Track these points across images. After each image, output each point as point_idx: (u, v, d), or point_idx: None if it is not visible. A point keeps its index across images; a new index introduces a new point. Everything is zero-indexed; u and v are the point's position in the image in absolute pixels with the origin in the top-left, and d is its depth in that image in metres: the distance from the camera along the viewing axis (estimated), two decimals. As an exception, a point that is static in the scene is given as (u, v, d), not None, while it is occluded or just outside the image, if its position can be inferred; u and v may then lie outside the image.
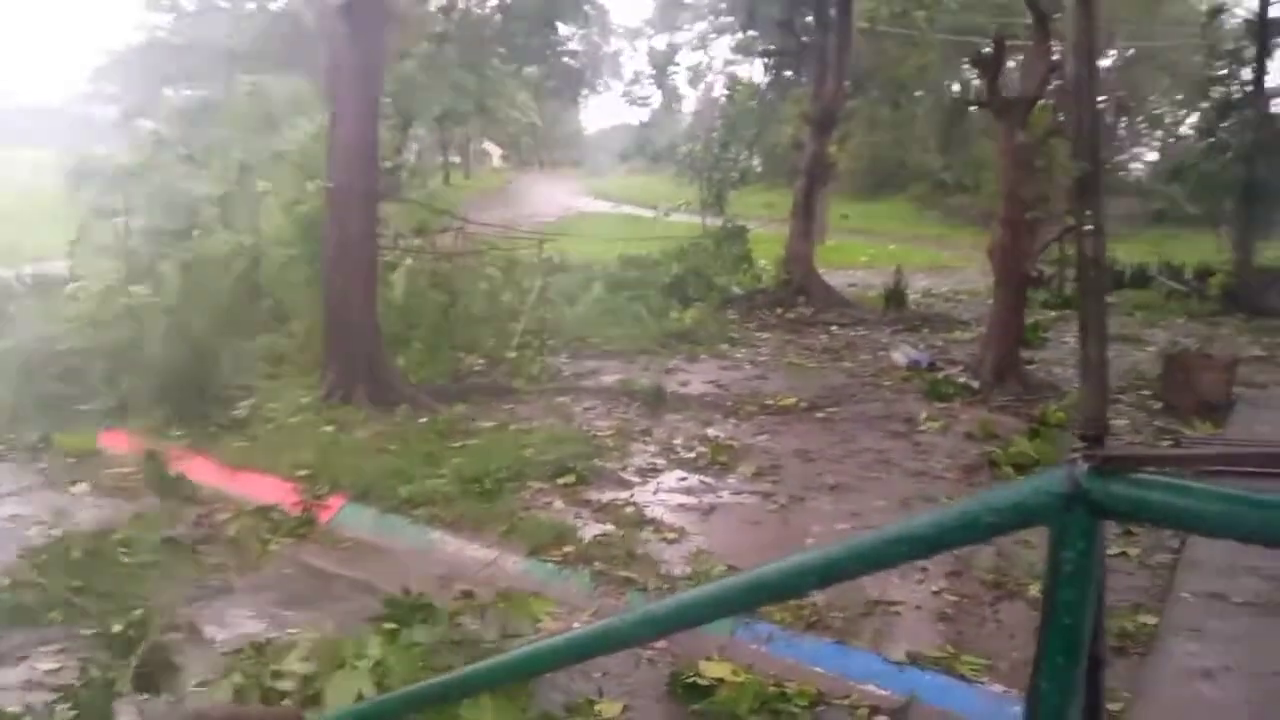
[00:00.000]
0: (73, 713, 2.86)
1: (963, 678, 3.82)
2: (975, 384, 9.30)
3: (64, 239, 11.55)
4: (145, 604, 3.30)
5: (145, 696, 2.96)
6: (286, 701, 2.87)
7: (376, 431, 7.05)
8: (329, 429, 7.07)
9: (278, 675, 2.96)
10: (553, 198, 38.49)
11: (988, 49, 10.35)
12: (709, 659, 3.89)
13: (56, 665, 3.52)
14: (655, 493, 6.09)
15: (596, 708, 3.41)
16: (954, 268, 25.06)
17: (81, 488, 6.10)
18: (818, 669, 3.93)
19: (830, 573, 1.30)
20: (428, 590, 3.71)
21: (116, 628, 3.22)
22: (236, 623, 4.20)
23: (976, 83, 14.45)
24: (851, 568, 1.30)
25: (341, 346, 7.96)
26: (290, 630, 3.64)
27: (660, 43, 44.92)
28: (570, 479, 6.19)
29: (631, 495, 6.00)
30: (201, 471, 6.37)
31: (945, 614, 4.39)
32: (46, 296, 9.71)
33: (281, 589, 4.66)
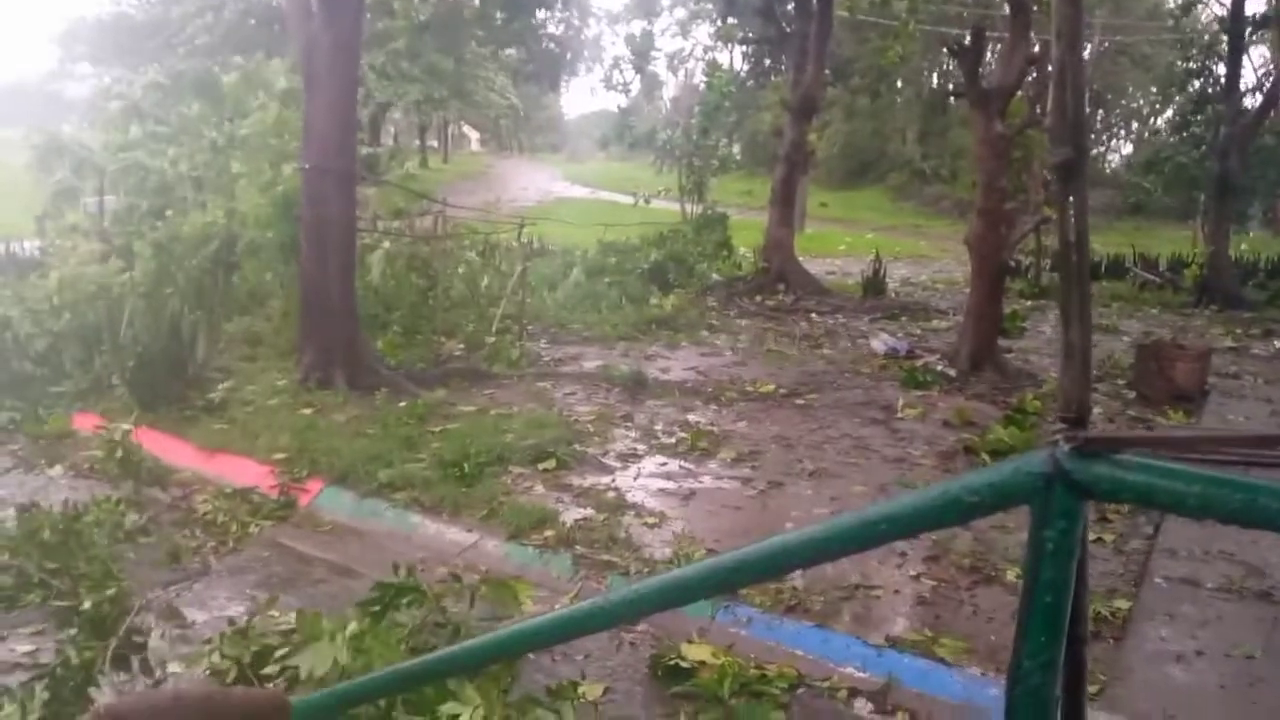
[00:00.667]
0: (49, 693, 2.84)
1: (942, 661, 3.87)
2: (953, 372, 9.38)
3: (33, 218, 11.41)
4: (121, 586, 3.27)
5: (124, 677, 2.95)
6: (269, 684, 2.87)
7: (355, 415, 7.01)
8: (307, 412, 7.03)
9: (259, 656, 2.95)
10: (532, 182, 38.34)
11: (967, 39, 10.40)
12: (690, 642, 3.93)
13: (33, 647, 3.50)
14: (636, 478, 6.11)
15: (579, 690, 3.43)
16: (932, 257, 25.24)
17: (56, 470, 6.04)
18: (798, 652, 3.97)
19: (811, 554, 1.32)
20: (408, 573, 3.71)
21: (92, 609, 3.20)
22: (216, 605, 4.19)
23: (955, 73, 14.49)
24: (832, 549, 1.31)
25: (319, 329, 7.90)
26: (271, 614, 3.63)
27: (639, 28, 44.71)
28: (550, 464, 6.19)
29: (612, 480, 6.01)
30: (178, 454, 6.32)
31: (924, 598, 4.44)
32: (16, 276, 9.58)
33: (261, 572, 4.64)
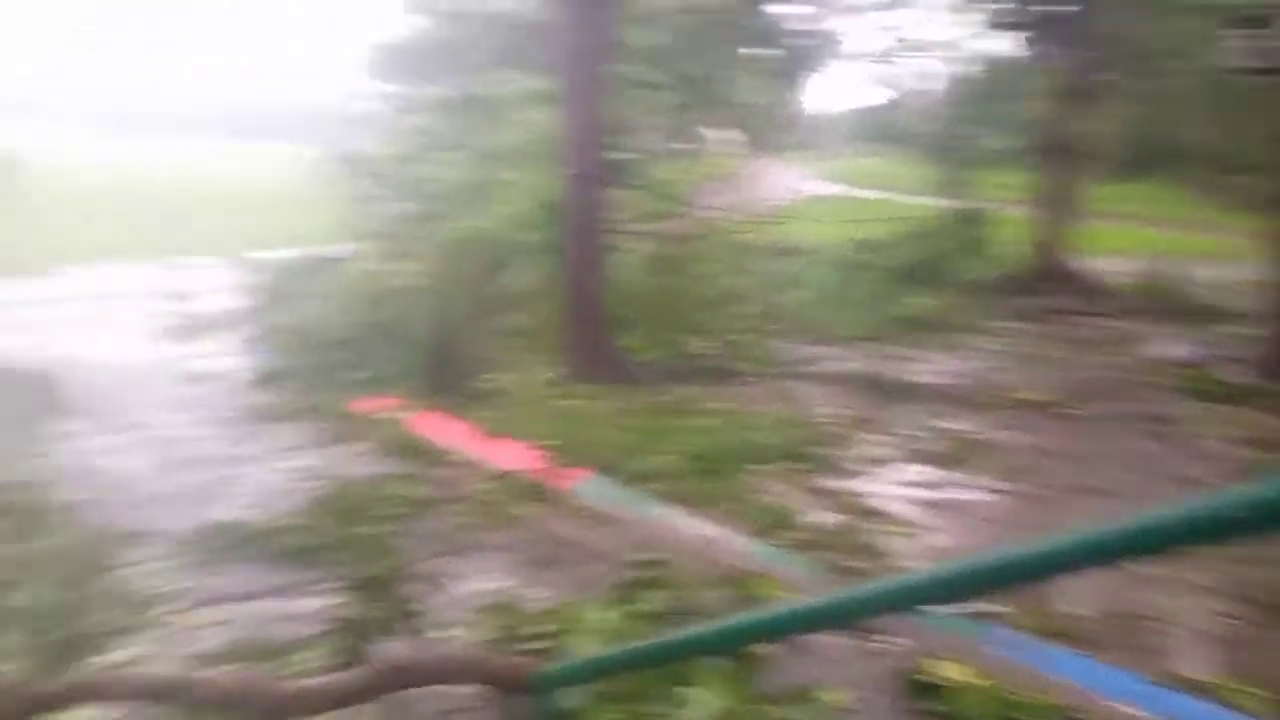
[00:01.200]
0: (334, 645, 3.19)
1: (1235, 708, 3.47)
2: (1253, 384, 8.36)
3: (337, 225, 12.73)
4: (400, 554, 3.60)
5: (396, 637, 3.24)
6: (523, 655, 3.05)
7: (611, 408, 7.31)
8: (567, 404, 7.42)
9: (518, 629, 3.15)
10: (784, 181, 38.16)
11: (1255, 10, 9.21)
12: (941, 657, 3.77)
13: (324, 602, 3.92)
14: (885, 484, 5.94)
15: (822, 695, 3.38)
16: (1228, 256, 22.58)
17: (354, 447, 6.74)
18: (1064, 681, 3.70)
19: (1062, 562, 1.22)
20: (660, 562, 3.82)
21: (374, 572, 3.53)
22: (483, 578, 4.51)
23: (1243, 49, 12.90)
24: (1088, 559, 1.21)
25: (578, 327, 8.32)
26: (531, 590, 3.86)
27: (896, 19, 43.23)
28: (796, 464, 6.15)
29: (860, 485, 5.88)
30: (455, 438, 6.87)
31: (1213, 632, 4.00)
32: (324, 276, 10.77)
33: (525, 551, 4.95)
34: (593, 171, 8.21)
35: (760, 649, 2.86)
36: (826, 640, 3.77)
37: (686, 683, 2.60)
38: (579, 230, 8.30)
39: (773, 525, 5.18)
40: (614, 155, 9.75)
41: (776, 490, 5.76)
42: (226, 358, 9.45)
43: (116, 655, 3.52)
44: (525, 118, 11.84)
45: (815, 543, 4.96)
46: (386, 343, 8.43)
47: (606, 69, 8.48)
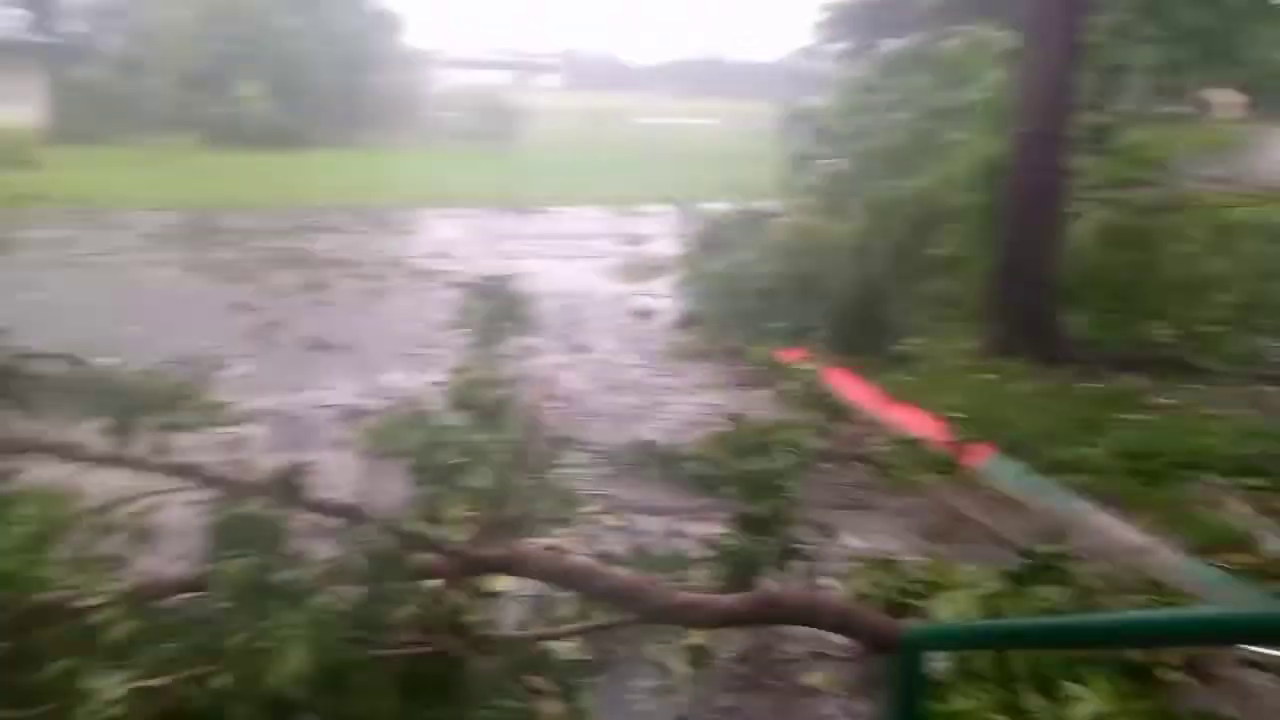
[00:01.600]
0: (718, 571, 3.35)
1: None
2: None
3: (778, 179, 13.08)
4: (790, 497, 3.67)
5: (775, 575, 3.32)
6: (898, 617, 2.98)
7: (1035, 388, 6.77)
8: (986, 377, 7.00)
9: (895, 593, 3.08)
10: (1297, 154, 32.06)
11: None
12: None
13: (719, 530, 4.12)
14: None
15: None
16: None
17: (763, 392, 6.99)
18: None
19: None
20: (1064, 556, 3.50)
21: (763, 511, 3.63)
22: (872, 538, 4.47)
23: None
24: None
25: (1011, 297, 7.77)
26: (916, 558, 3.75)
27: None
28: (1260, 481, 5.24)
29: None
30: (862, 396, 6.83)
31: None
32: (756, 228, 11.17)
33: (918, 519, 4.82)
34: (1051, 131, 7.54)
35: (1161, 670, 2.51)
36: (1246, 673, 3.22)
37: (1071, 677, 2.37)
38: (1027, 193, 7.69)
39: (1219, 545, 4.49)
40: (1080, 115, 8.88)
41: (1230, 507, 4.97)
42: (665, 298, 10.25)
43: (539, 540, 4.03)
44: (979, 74, 11.19)
45: (1273, 573, 4.22)
46: (807, 297, 8.56)
47: (1084, 20, 7.69)
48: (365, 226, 14.93)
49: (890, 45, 15.21)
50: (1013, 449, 5.64)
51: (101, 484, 2.93)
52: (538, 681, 3.13)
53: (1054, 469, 5.36)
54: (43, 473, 2.85)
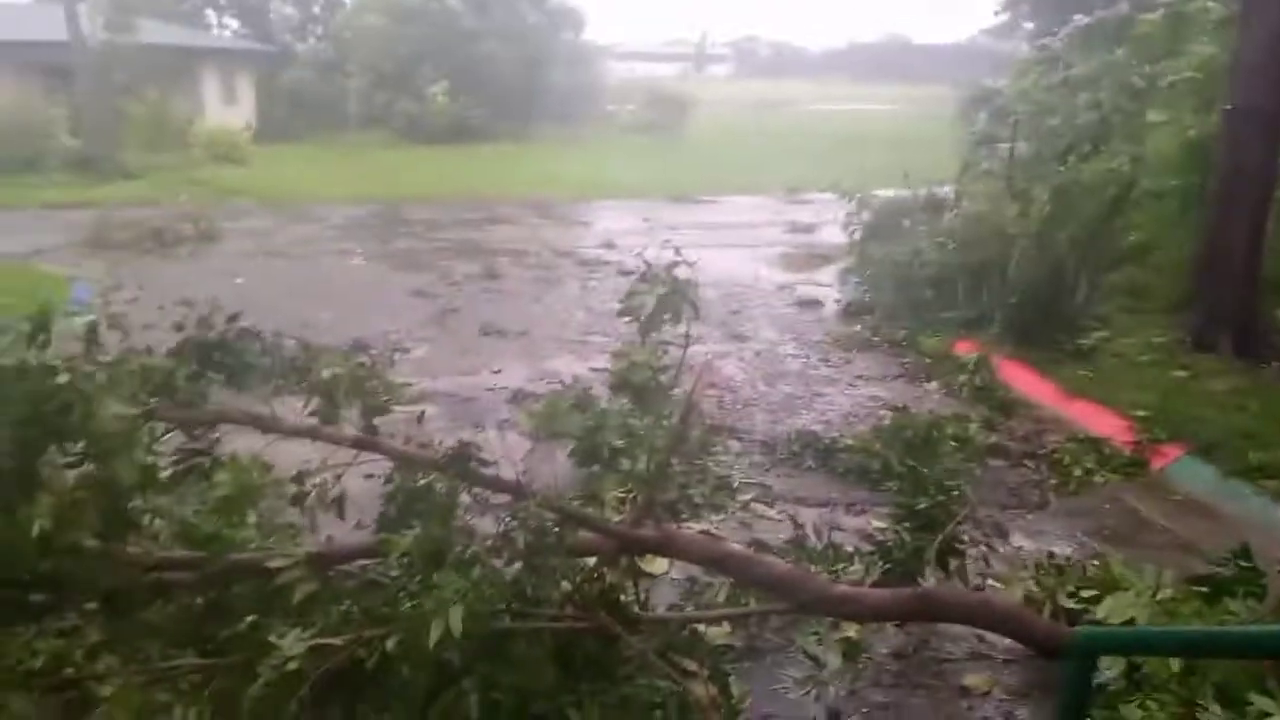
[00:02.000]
0: (877, 566, 3.28)
1: None
2: None
3: (954, 165, 12.60)
4: (957, 494, 3.54)
5: (936, 572, 3.22)
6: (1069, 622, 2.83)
7: (1235, 386, 6.23)
8: (1179, 374, 6.50)
9: (1064, 597, 2.93)
10: None
11: None
12: None
13: (883, 524, 4.03)
14: None
15: None
16: None
17: (931, 385, 6.75)
18: None
19: None
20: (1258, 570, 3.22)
21: (928, 507, 3.52)
22: (1043, 538, 4.25)
23: None
24: None
25: (1212, 288, 7.17)
26: (1091, 562, 3.54)
27: None
28: None
29: None
30: (1038, 391, 6.49)
31: None
32: (929, 215, 10.77)
33: (1095, 520, 4.54)
34: (1266, 107, 6.88)
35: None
36: None
37: (1259, 691, 2.18)
38: (1237, 176, 7.06)
39: None
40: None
41: None
42: (830, 287, 10.07)
43: (695, 525, 4.07)
44: (1182, 49, 10.36)
45: None
46: (982, 286, 8.19)
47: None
48: (538, 217, 15.40)
49: (1081, 21, 14.30)
50: (1204, 451, 5.22)
51: (291, 454, 3.17)
52: (688, 664, 3.17)
53: (1250, 473, 4.93)
54: (242, 442, 3.12)
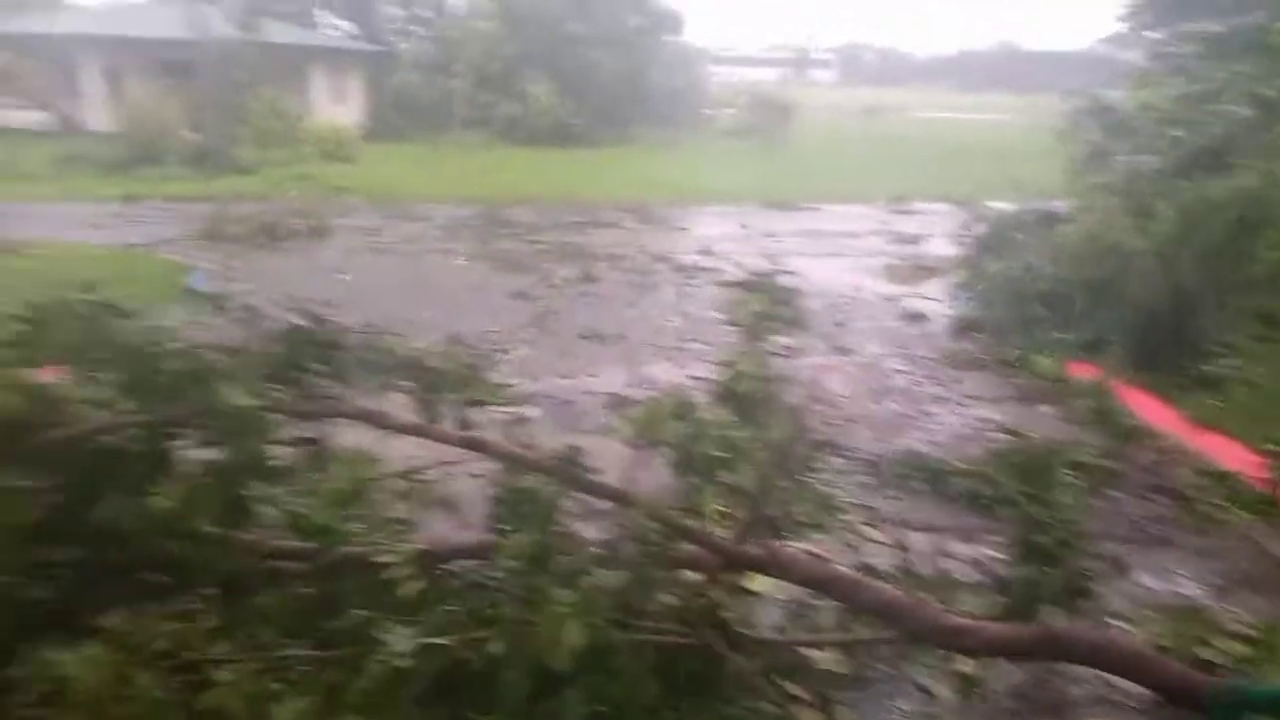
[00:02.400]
0: (994, 598, 3.12)
1: None
2: None
3: (1068, 178, 12.11)
4: (1076, 527, 3.35)
5: (1058, 609, 3.04)
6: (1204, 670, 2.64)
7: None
8: (1318, 407, 6.09)
9: (1198, 644, 2.74)
10: None
11: None
12: None
13: (997, 555, 3.86)
14: None
15: None
16: None
17: (1045, 408, 6.47)
18: None
19: None
20: None
21: (1048, 539, 3.34)
22: (1169, 576, 4.01)
23: None
24: None
25: (1356, 316, 6.71)
26: (1225, 606, 3.32)
27: None
28: None
29: None
30: (1162, 419, 6.16)
31: None
32: (1044, 230, 10.37)
33: (1226, 560, 4.26)
34: None
35: None
36: None
37: None
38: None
39: None
40: None
41: None
42: (937, 301, 9.79)
43: (797, 544, 3.95)
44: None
45: None
46: (1101, 306, 7.84)
47: None
48: (637, 222, 15.41)
49: (1209, 28, 13.60)
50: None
51: (397, 450, 3.19)
52: (794, 688, 3.07)
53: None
54: (350, 437, 3.16)
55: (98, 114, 24.74)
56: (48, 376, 2.87)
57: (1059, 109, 14.36)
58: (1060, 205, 10.95)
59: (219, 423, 2.70)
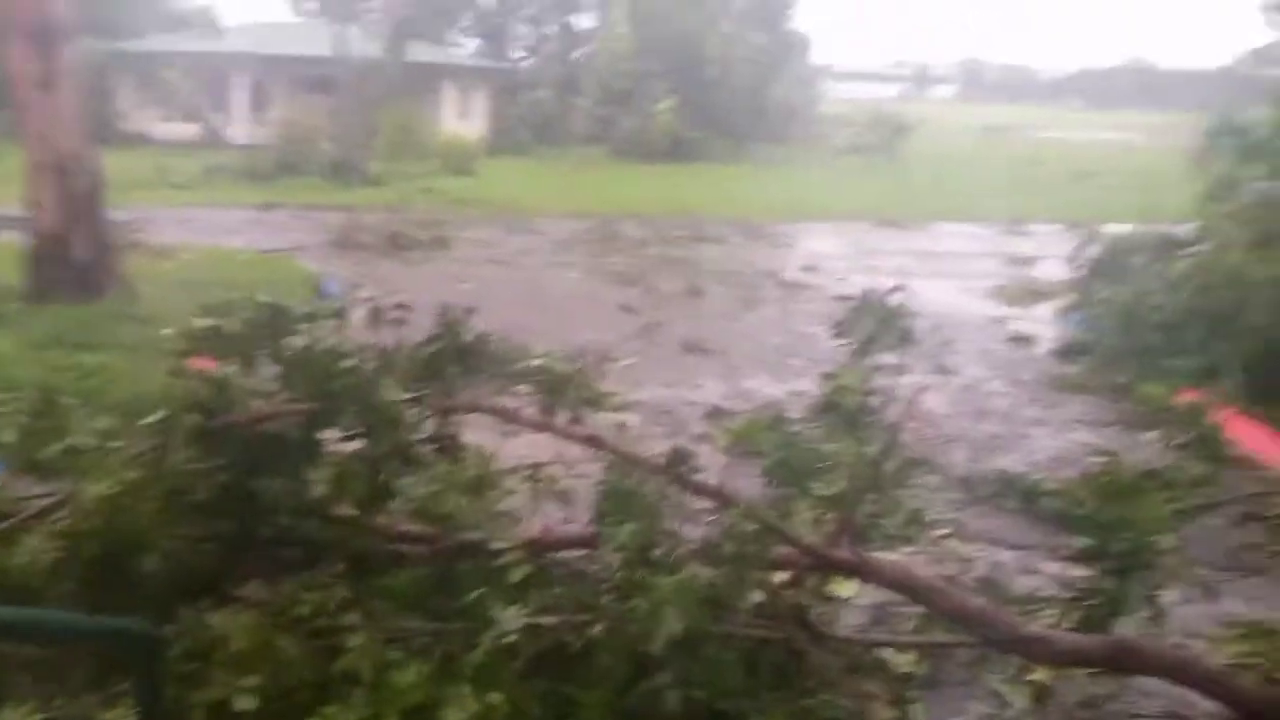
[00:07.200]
0: (1072, 613, 3.24)
1: None
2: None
3: (1195, 201, 11.76)
4: (1164, 548, 3.41)
5: (1135, 626, 3.13)
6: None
7: None
8: None
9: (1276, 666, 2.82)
10: None
11: None
12: None
13: (1072, 572, 3.90)
14: None
15: None
16: None
17: (1150, 435, 6.40)
18: None
19: None
20: None
21: (1126, 555, 3.41)
22: (1257, 604, 4.02)
23: None
24: None
25: None
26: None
27: None
28: None
29: None
30: (1272, 451, 6.05)
31: None
32: (1163, 256, 10.12)
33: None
34: None
35: None
36: None
37: None
38: None
39: None
40: None
41: None
42: (1047, 324, 9.69)
43: (886, 555, 4.11)
44: None
45: None
46: (1218, 335, 7.67)
47: None
48: (746, 238, 15.63)
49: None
50: None
51: (509, 449, 3.52)
52: (871, 686, 3.25)
53: None
54: (471, 434, 3.50)
55: (244, 128, 26.43)
56: (214, 368, 3.30)
57: (1191, 128, 13.91)
58: (1182, 230, 10.69)
59: (369, 416, 3.07)
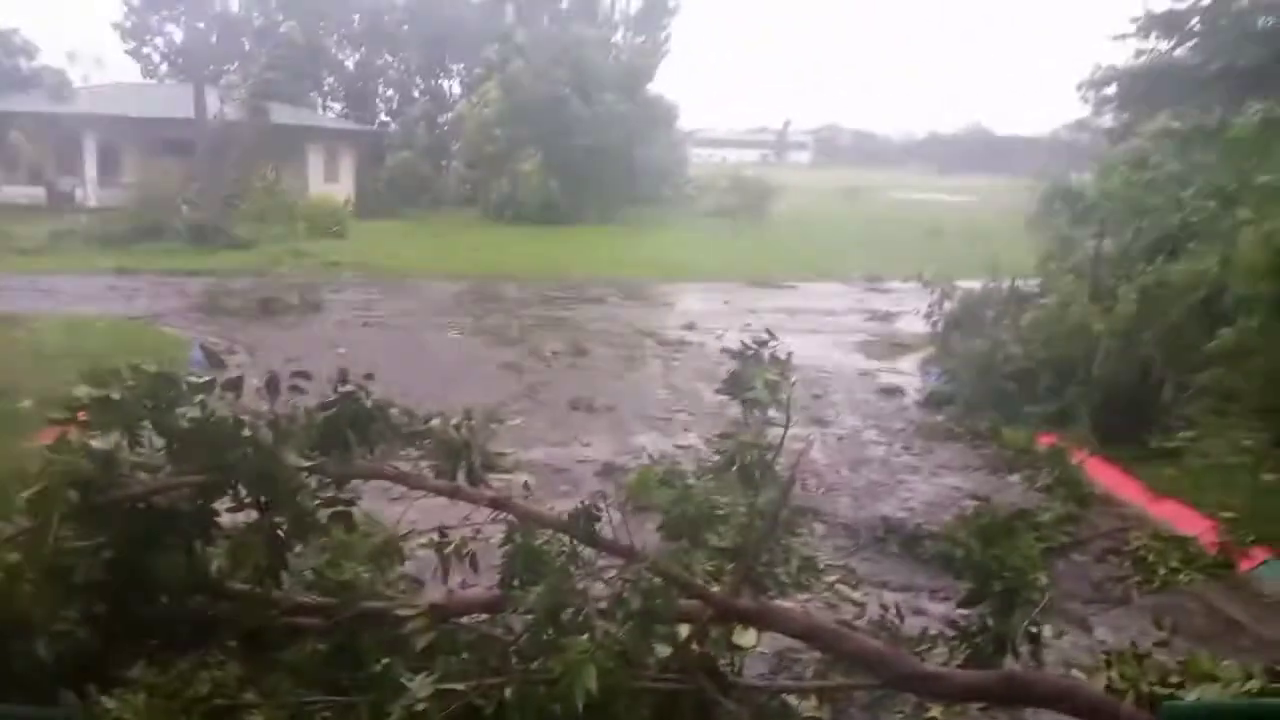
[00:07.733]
0: (959, 650, 3.42)
1: None
2: None
3: (1034, 259, 12.67)
4: (1037, 585, 3.63)
5: (1018, 660, 3.32)
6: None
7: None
8: (1268, 478, 6.47)
9: (1151, 685, 3.04)
10: None
11: None
12: None
13: (956, 611, 4.11)
14: None
15: None
16: None
17: (1013, 477, 6.82)
18: None
19: None
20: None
21: (1002, 592, 3.62)
22: (1126, 633, 4.31)
23: None
24: None
25: (1302, 393, 7.14)
26: (1173, 660, 3.61)
27: None
28: None
29: None
30: (1123, 489, 6.52)
31: None
32: (1014, 308, 10.86)
33: (1179, 618, 4.57)
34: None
35: None
36: None
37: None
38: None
39: None
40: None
41: None
42: (909, 376, 10.20)
43: (781, 602, 4.23)
44: (1273, 153, 10.39)
45: None
46: (1066, 382, 8.26)
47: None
48: (623, 297, 15.87)
49: (1168, 119, 14.37)
50: (1294, 555, 5.22)
51: (394, 513, 3.48)
52: (779, 732, 3.33)
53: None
54: (368, 501, 3.45)
55: (94, 191, 25.24)
56: (100, 441, 3.15)
57: (1026, 191, 15.04)
58: (1027, 285, 11.49)
59: (267, 486, 2.99)
